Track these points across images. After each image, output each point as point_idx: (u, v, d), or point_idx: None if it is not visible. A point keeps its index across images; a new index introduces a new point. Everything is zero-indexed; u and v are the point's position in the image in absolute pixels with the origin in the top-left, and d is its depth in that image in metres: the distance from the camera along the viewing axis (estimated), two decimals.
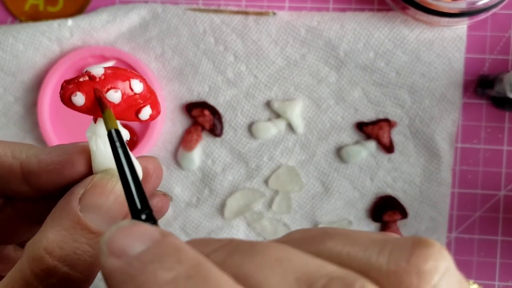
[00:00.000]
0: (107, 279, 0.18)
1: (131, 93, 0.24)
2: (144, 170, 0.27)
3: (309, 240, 0.19)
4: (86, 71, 0.24)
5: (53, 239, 0.24)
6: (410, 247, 0.17)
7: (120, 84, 0.24)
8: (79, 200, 0.24)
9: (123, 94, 0.24)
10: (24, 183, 0.27)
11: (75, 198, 0.24)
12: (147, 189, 0.27)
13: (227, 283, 0.16)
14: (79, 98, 0.24)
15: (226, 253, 0.18)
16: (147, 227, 0.19)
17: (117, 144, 0.22)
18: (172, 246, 0.18)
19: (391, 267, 0.17)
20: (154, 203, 0.28)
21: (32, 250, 0.24)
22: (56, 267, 0.23)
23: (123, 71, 0.24)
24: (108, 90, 0.24)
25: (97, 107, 0.24)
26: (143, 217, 0.21)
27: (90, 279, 0.24)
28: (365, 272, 0.17)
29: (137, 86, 0.24)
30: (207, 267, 0.17)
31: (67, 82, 0.25)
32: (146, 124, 0.55)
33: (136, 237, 0.18)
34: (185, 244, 0.18)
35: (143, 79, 0.25)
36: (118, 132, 0.23)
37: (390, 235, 0.19)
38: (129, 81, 0.24)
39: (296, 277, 0.17)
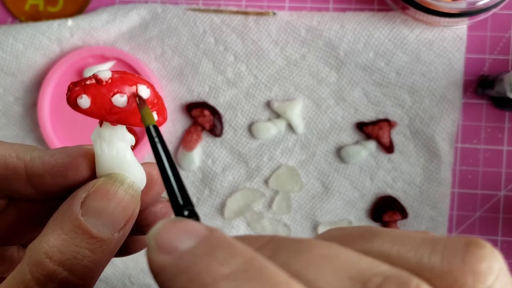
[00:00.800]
0: (157, 274, 0.17)
1: (140, 98, 0.24)
2: (149, 176, 0.27)
3: (355, 238, 0.19)
4: (94, 74, 0.24)
5: (53, 243, 0.24)
6: (463, 246, 0.17)
7: (127, 89, 0.24)
8: (81, 204, 0.24)
9: (129, 99, 0.24)
10: (28, 185, 0.26)
11: (77, 202, 0.24)
12: (152, 195, 0.27)
13: (282, 277, 0.16)
14: (84, 101, 0.24)
15: (271, 250, 0.18)
16: (193, 223, 0.19)
17: (156, 139, 0.22)
18: (223, 240, 0.17)
19: (444, 267, 0.17)
20: (158, 209, 0.27)
21: (32, 254, 0.24)
22: (56, 272, 0.23)
23: (131, 76, 0.24)
24: (114, 94, 0.24)
25: (103, 110, 0.24)
26: (186, 213, 0.20)
27: (89, 284, 0.24)
28: (417, 271, 0.17)
29: (144, 92, 0.24)
30: (261, 261, 0.17)
31: (74, 84, 0.25)
32: None
33: (184, 232, 0.18)
34: (234, 239, 0.18)
35: (150, 85, 0.25)
36: (156, 128, 0.23)
37: (434, 234, 0.19)
38: (136, 86, 0.24)
39: (349, 275, 0.16)
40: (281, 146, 0.56)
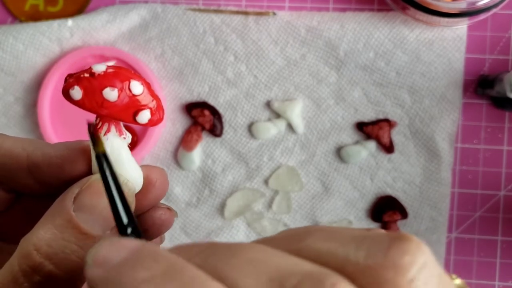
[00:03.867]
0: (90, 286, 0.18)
1: (129, 94, 0.24)
2: (147, 179, 0.26)
3: (290, 238, 0.19)
4: (90, 67, 0.24)
5: (43, 236, 0.24)
6: (387, 242, 0.17)
7: (118, 83, 0.24)
8: (74, 199, 0.24)
9: (120, 94, 0.24)
10: (30, 176, 0.27)
11: (70, 197, 0.24)
12: (150, 199, 0.27)
13: (202, 277, 0.17)
14: (76, 92, 0.24)
15: (204, 256, 0.18)
16: (128, 239, 0.19)
17: (105, 165, 0.23)
18: (149, 250, 0.18)
19: (368, 262, 0.17)
20: (157, 215, 0.27)
21: (22, 246, 0.24)
22: (42, 264, 0.23)
23: (125, 71, 0.24)
24: (105, 87, 0.24)
25: (94, 103, 0.24)
26: (129, 230, 0.21)
27: (76, 280, 0.24)
28: (342, 268, 0.17)
29: (137, 88, 0.24)
30: (182, 264, 0.17)
31: (69, 76, 0.25)
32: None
33: (118, 248, 0.19)
34: (162, 249, 0.19)
35: (146, 83, 0.25)
36: (105, 156, 0.23)
37: (373, 231, 0.19)
38: (129, 81, 0.24)
39: (269, 277, 0.17)
40: (281, 146, 0.56)
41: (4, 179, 0.27)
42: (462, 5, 0.50)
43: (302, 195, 0.57)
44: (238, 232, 0.57)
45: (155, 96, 0.25)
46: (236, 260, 0.18)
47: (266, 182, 0.57)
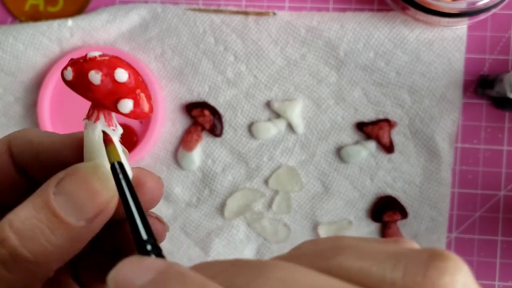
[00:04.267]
0: None
1: (113, 80, 0.24)
2: (136, 178, 0.26)
3: (318, 255, 0.18)
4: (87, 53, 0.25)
5: (19, 212, 0.24)
6: (426, 260, 0.17)
7: (104, 68, 0.24)
8: (57, 183, 0.24)
9: (103, 79, 0.24)
10: (38, 162, 0.27)
11: (54, 181, 0.24)
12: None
13: None
14: (68, 73, 0.25)
15: (231, 275, 0.18)
16: (152, 259, 0.19)
17: (120, 176, 0.23)
18: (177, 272, 0.18)
19: (406, 283, 0.16)
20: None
21: (1, 220, 0.24)
22: (8, 238, 0.23)
23: (116, 59, 0.24)
24: (91, 70, 0.24)
25: (82, 85, 0.24)
26: (149, 247, 0.21)
27: (41, 264, 0.24)
28: (379, 287, 0.17)
29: (121, 75, 0.24)
30: (211, 286, 0.17)
31: (70, 60, 0.25)
32: (146, 124, 0.55)
33: (142, 269, 0.18)
34: (190, 270, 0.18)
35: (135, 74, 0.25)
36: (121, 165, 0.23)
37: (404, 245, 0.18)
38: (115, 68, 0.24)
39: None
40: (281, 146, 0.56)
41: (21, 163, 0.28)
42: (462, 5, 0.50)
43: (302, 195, 0.57)
44: (238, 232, 0.57)
45: (143, 89, 0.25)
46: (263, 280, 0.17)
47: (266, 182, 0.57)
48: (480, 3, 0.49)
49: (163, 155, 0.57)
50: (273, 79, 0.56)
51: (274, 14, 0.56)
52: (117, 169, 0.23)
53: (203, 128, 0.56)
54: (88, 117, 0.25)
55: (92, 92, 0.24)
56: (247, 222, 0.57)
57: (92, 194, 0.24)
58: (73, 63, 0.25)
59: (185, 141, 0.57)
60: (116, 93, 0.24)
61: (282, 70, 0.56)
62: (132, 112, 0.24)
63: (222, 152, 0.57)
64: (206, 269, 0.18)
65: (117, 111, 0.24)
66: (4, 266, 0.23)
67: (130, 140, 0.56)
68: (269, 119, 0.56)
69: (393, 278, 0.17)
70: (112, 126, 0.25)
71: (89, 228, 0.24)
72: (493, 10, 0.51)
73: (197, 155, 0.57)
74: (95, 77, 0.24)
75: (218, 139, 0.57)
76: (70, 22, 0.56)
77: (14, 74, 0.57)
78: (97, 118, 0.25)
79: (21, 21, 0.58)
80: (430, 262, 0.17)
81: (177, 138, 0.57)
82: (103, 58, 0.24)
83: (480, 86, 0.54)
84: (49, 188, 0.24)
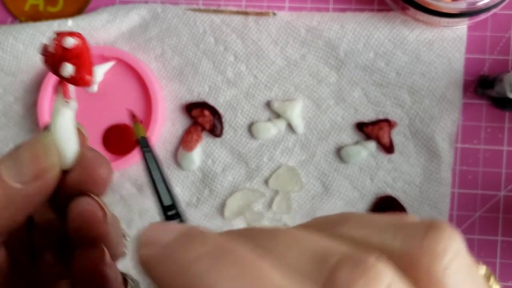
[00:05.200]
0: (142, 266, 0.19)
1: (62, 46, 0.26)
2: (81, 154, 0.27)
3: (324, 225, 0.20)
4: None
5: None
6: (423, 230, 0.18)
7: (58, 36, 0.26)
8: (15, 148, 0.26)
9: (55, 45, 0.26)
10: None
11: (14, 148, 0.26)
12: (76, 176, 0.27)
13: (250, 255, 0.17)
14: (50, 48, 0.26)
15: (245, 237, 0.19)
16: (176, 223, 0.20)
17: (144, 149, 0.25)
18: (198, 232, 0.19)
19: (404, 250, 0.18)
20: (82, 201, 0.27)
21: None
22: None
23: (74, 33, 0.27)
24: (52, 41, 0.26)
25: (49, 55, 0.26)
26: (171, 213, 0.23)
27: None
28: (379, 251, 0.18)
29: (68, 42, 0.26)
30: (231, 243, 0.18)
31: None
32: (146, 124, 0.55)
33: (166, 230, 0.20)
34: (210, 231, 0.20)
35: (85, 46, 0.26)
36: (144, 140, 0.26)
37: (406, 218, 0.20)
38: (65, 36, 0.26)
39: (312, 254, 0.18)
40: (281, 146, 0.56)
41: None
42: (462, 5, 0.50)
43: (302, 195, 0.57)
44: None
45: (84, 55, 0.26)
46: (279, 240, 0.18)
47: (266, 182, 0.57)
48: (480, 3, 0.49)
49: (163, 155, 0.57)
50: (273, 79, 0.56)
51: (274, 14, 0.56)
52: (142, 144, 0.25)
53: (203, 128, 0.56)
54: (56, 90, 0.27)
55: (47, 59, 0.26)
56: (247, 222, 0.57)
57: (33, 159, 0.25)
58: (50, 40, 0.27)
59: (185, 141, 0.57)
60: (62, 59, 0.26)
61: (282, 70, 0.56)
62: (71, 77, 0.26)
63: (222, 152, 0.57)
64: (226, 233, 0.20)
65: (60, 76, 0.26)
66: None
67: (130, 140, 0.56)
68: (269, 119, 0.56)
69: (392, 246, 0.18)
70: (68, 98, 0.26)
71: (24, 192, 0.25)
72: (493, 10, 0.51)
73: (197, 155, 0.57)
74: (51, 44, 0.26)
75: (218, 139, 0.57)
76: (70, 22, 0.56)
77: (14, 74, 0.57)
78: (57, 91, 0.26)
79: (21, 21, 0.58)
80: (427, 232, 0.18)
81: (177, 138, 0.57)
82: (69, 33, 0.26)
83: (480, 86, 0.54)
84: (5, 154, 0.26)
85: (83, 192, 0.27)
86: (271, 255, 0.18)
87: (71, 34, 0.26)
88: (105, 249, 0.28)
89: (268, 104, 0.56)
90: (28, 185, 0.25)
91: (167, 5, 0.56)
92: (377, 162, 0.56)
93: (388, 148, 0.55)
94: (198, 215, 0.57)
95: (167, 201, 0.23)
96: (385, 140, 0.55)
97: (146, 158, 0.24)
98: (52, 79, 0.56)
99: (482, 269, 0.25)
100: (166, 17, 0.56)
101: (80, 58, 0.26)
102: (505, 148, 0.55)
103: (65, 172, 0.26)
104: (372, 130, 0.55)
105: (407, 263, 0.17)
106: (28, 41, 0.56)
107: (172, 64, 0.57)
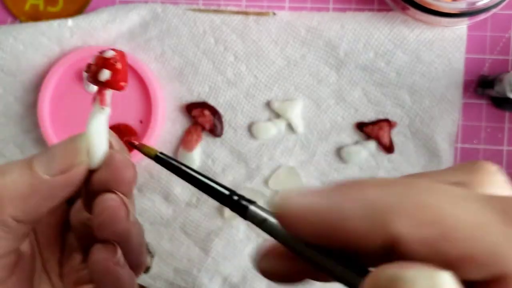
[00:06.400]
0: (307, 218, 0.20)
1: (102, 57, 0.29)
2: (109, 155, 0.29)
3: (432, 174, 0.23)
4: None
5: (11, 162, 0.28)
6: (476, 167, 0.23)
7: (104, 51, 0.29)
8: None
9: (98, 57, 0.29)
10: None
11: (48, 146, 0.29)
12: (104, 175, 0.29)
13: (428, 182, 0.20)
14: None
15: (391, 186, 0.20)
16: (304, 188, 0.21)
17: (171, 161, 0.27)
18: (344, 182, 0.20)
19: (471, 181, 0.22)
20: (106, 197, 0.28)
21: None
22: None
23: (115, 49, 0.29)
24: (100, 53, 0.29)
25: (93, 69, 0.29)
26: (235, 198, 0.24)
27: (6, 208, 0.26)
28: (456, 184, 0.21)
29: (108, 53, 0.29)
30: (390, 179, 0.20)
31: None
32: (146, 124, 0.55)
33: (302, 191, 0.21)
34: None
35: (122, 57, 0.29)
36: (163, 154, 0.28)
37: (451, 167, 0.24)
38: (106, 50, 0.29)
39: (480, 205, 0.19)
40: (281, 146, 0.56)
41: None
42: (462, 5, 0.50)
43: None
44: (238, 232, 0.57)
45: (123, 66, 0.29)
46: (416, 190, 0.19)
47: (266, 182, 0.57)
48: (480, 3, 0.49)
49: None
50: (273, 79, 0.56)
51: (274, 14, 0.56)
52: (163, 158, 0.27)
53: (203, 128, 0.56)
54: (93, 98, 0.29)
55: (90, 73, 0.29)
56: (247, 222, 0.57)
57: (63, 155, 0.27)
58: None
59: (185, 141, 0.57)
60: (102, 66, 0.28)
61: (282, 70, 0.56)
62: (107, 81, 0.28)
63: (222, 152, 0.57)
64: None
65: (99, 81, 0.28)
66: None
67: (130, 140, 0.56)
68: (269, 119, 0.56)
69: (464, 179, 0.22)
70: (103, 105, 0.29)
71: (50, 183, 0.27)
72: (493, 10, 0.51)
73: (197, 155, 0.57)
74: (94, 59, 0.29)
75: (218, 139, 0.57)
76: (70, 22, 0.56)
77: (14, 74, 0.57)
78: (94, 98, 0.29)
79: (21, 21, 0.58)
80: (479, 168, 0.22)
81: (177, 138, 0.57)
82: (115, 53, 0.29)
83: (480, 86, 0.54)
84: (37, 151, 0.28)
85: (109, 191, 0.28)
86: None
87: (113, 49, 0.29)
88: (118, 248, 0.29)
89: (268, 104, 0.56)
90: (54, 178, 0.27)
91: (167, 5, 0.56)
92: (377, 162, 0.56)
93: (388, 148, 0.55)
94: (198, 215, 0.57)
95: (225, 191, 0.24)
96: (385, 140, 0.55)
97: (177, 166, 0.26)
98: (52, 79, 0.56)
99: None
100: (166, 17, 0.56)
101: (117, 66, 0.28)
102: (505, 148, 0.55)
103: (92, 172, 0.28)
104: (372, 130, 0.55)
105: (480, 182, 0.22)
106: (28, 41, 0.56)
107: (172, 64, 0.57)
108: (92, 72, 0.28)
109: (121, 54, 0.29)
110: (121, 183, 0.29)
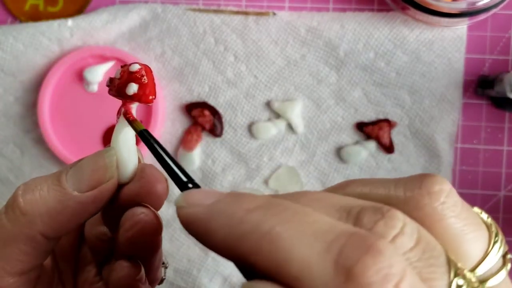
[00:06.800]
0: (191, 223, 0.21)
1: (128, 71, 0.28)
2: (140, 169, 0.28)
3: (333, 189, 0.23)
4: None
5: (37, 177, 0.27)
6: (419, 178, 0.22)
7: (125, 66, 0.29)
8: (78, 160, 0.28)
9: (123, 71, 0.28)
10: None
11: (75, 161, 0.28)
12: (134, 189, 0.28)
13: (296, 204, 0.20)
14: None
15: (284, 196, 0.21)
16: (213, 190, 0.22)
17: (151, 140, 0.26)
18: (242, 193, 0.21)
19: (407, 194, 0.21)
20: (138, 212, 0.28)
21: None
22: (17, 189, 0.26)
23: (138, 62, 0.29)
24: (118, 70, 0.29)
25: (116, 83, 0.28)
26: (190, 185, 0.24)
27: (34, 218, 0.26)
28: (386, 203, 0.21)
29: (133, 66, 0.28)
30: (276, 199, 0.20)
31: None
32: (146, 124, 0.55)
33: (207, 193, 0.22)
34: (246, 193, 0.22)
35: (148, 70, 0.28)
36: (147, 131, 0.27)
37: (397, 178, 0.23)
38: (132, 64, 0.29)
39: (337, 207, 0.20)
40: (281, 146, 0.56)
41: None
42: (462, 5, 0.50)
43: None
44: None
45: (150, 79, 0.28)
46: (305, 199, 0.21)
47: (266, 182, 0.57)
48: (480, 3, 0.49)
49: None
50: (273, 79, 0.56)
51: (274, 14, 0.56)
52: (146, 136, 0.27)
53: (203, 128, 0.56)
54: (119, 111, 0.29)
55: (112, 87, 0.29)
56: None
57: (93, 170, 0.27)
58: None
59: (185, 141, 0.57)
60: (128, 80, 0.28)
61: (282, 70, 0.56)
62: (134, 94, 0.28)
63: (222, 152, 0.57)
64: (264, 195, 0.22)
65: (126, 95, 0.28)
66: (7, 215, 0.26)
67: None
68: (269, 119, 0.56)
69: (397, 194, 0.21)
70: (131, 119, 0.29)
71: (80, 199, 0.26)
72: (493, 10, 0.51)
73: (197, 155, 0.57)
74: (117, 73, 0.29)
75: (218, 139, 0.57)
76: (70, 22, 0.56)
77: (14, 74, 0.57)
78: (120, 112, 0.29)
79: (21, 21, 0.58)
80: (423, 179, 0.21)
81: (177, 138, 0.57)
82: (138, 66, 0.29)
83: (480, 86, 0.54)
84: (69, 164, 0.28)
85: (139, 204, 0.28)
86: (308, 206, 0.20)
87: (137, 63, 0.29)
88: (141, 265, 0.29)
89: (268, 104, 0.56)
90: (84, 194, 0.26)
91: (167, 5, 0.56)
92: (377, 162, 0.56)
93: (388, 148, 0.55)
94: None
95: (184, 178, 0.24)
96: (385, 140, 0.55)
97: (155, 146, 0.26)
98: (52, 79, 0.56)
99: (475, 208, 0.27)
100: (166, 17, 0.56)
101: (144, 79, 0.28)
102: (505, 148, 0.55)
103: (121, 186, 0.28)
104: (372, 130, 0.55)
105: (411, 208, 0.21)
106: (28, 41, 0.56)
107: (172, 64, 0.57)
108: (116, 86, 0.28)
109: (146, 66, 0.28)
110: (153, 196, 0.28)
